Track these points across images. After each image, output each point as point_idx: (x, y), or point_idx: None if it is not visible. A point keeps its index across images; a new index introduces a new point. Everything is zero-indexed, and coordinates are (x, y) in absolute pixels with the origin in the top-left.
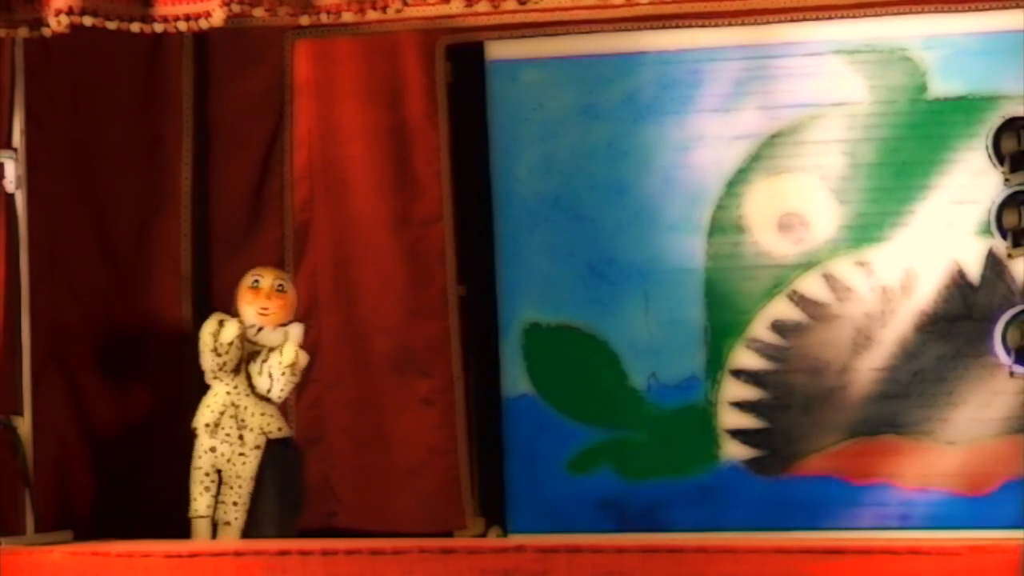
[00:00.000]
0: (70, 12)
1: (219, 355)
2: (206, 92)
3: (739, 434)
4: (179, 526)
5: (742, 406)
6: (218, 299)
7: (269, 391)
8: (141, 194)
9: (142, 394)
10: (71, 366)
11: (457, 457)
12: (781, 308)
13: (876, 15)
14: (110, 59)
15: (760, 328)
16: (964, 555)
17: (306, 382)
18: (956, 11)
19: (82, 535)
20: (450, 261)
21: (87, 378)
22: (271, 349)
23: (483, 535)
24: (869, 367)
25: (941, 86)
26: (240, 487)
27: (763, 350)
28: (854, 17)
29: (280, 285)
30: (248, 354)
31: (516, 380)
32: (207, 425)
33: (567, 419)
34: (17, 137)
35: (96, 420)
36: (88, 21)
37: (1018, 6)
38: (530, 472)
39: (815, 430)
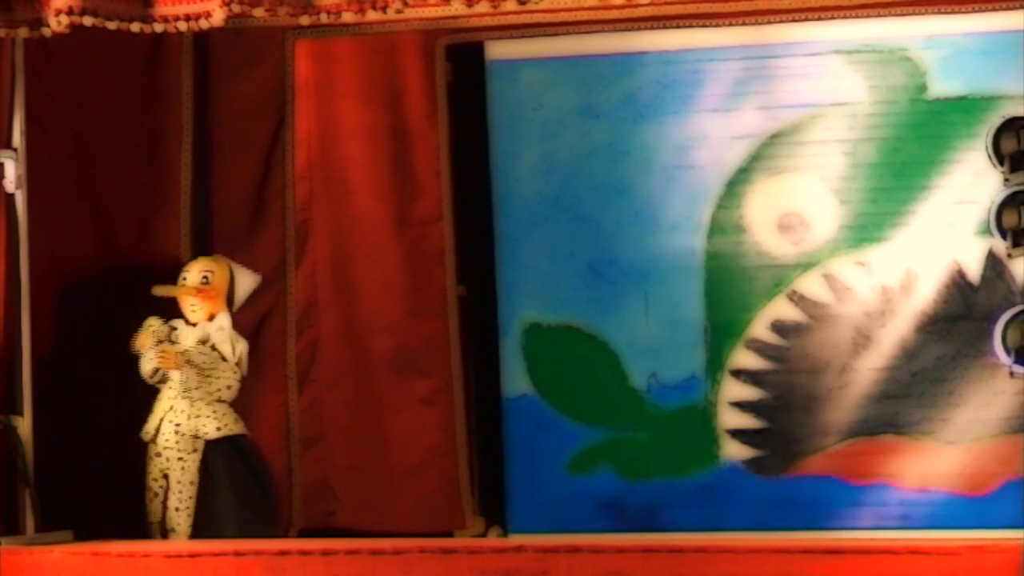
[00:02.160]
0: (70, 12)
1: (152, 363)
2: (206, 92)
3: (739, 434)
4: None
5: (742, 406)
6: None
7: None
8: (141, 194)
9: (143, 394)
10: (71, 366)
11: (457, 457)
12: (781, 308)
13: (876, 15)
14: (110, 59)
15: (760, 328)
16: (964, 555)
17: (305, 382)
18: (956, 11)
19: (82, 535)
20: (450, 261)
21: (87, 378)
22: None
23: (483, 535)
24: (869, 367)
25: (941, 86)
26: (181, 492)
27: (763, 350)
28: (854, 17)
29: (205, 277)
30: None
31: (516, 380)
32: (147, 432)
33: (567, 419)
34: (17, 137)
35: (96, 420)
36: (88, 21)
37: (1018, 6)
38: (530, 472)
39: (815, 430)
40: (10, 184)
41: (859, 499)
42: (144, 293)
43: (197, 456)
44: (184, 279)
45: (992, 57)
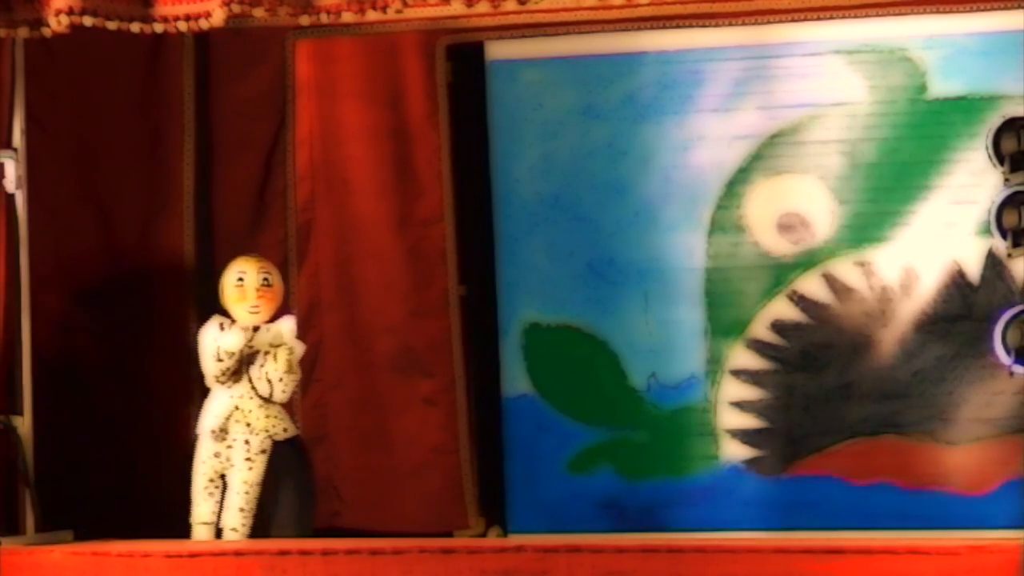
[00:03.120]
0: (70, 12)
1: (220, 360)
2: (207, 92)
3: (739, 434)
4: (180, 527)
5: (742, 406)
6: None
7: (271, 395)
8: (143, 194)
9: (144, 394)
10: (72, 366)
11: (459, 457)
12: (781, 308)
13: (876, 15)
14: (111, 59)
15: (760, 328)
16: (964, 555)
17: (309, 382)
18: (956, 11)
19: (82, 535)
20: (451, 261)
21: (88, 378)
22: (266, 352)
23: (483, 535)
24: (869, 367)
25: (941, 86)
26: (247, 493)
27: (763, 350)
28: (854, 17)
29: (265, 278)
30: (246, 356)
31: (516, 380)
32: (212, 431)
33: (567, 419)
34: (17, 137)
35: (97, 420)
36: (88, 21)
37: (1018, 6)
38: (530, 472)
39: (815, 430)
40: (10, 184)
41: (859, 499)
42: (146, 293)
43: (265, 457)
44: (240, 280)
45: (992, 57)
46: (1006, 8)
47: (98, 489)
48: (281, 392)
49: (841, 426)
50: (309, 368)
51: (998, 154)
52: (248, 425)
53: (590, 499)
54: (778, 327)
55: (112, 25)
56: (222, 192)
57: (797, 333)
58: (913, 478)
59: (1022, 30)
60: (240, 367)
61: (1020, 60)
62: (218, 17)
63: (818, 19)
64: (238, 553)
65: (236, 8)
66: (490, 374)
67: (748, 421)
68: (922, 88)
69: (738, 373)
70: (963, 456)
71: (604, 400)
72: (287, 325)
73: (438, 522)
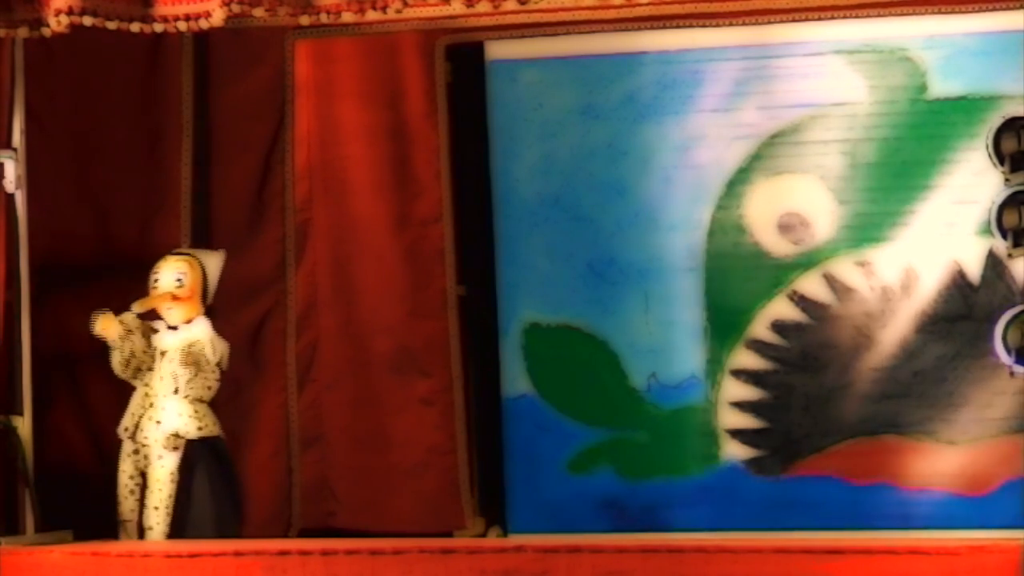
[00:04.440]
0: (70, 12)
1: (122, 354)
2: (206, 92)
3: (739, 434)
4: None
5: (742, 406)
6: (220, 299)
7: (177, 392)
8: (142, 194)
9: None
10: (72, 366)
11: (456, 457)
12: (781, 308)
13: (876, 15)
14: (111, 59)
15: (760, 328)
16: (964, 555)
17: (304, 382)
18: (956, 11)
19: (82, 535)
20: (450, 261)
21: (87, 378)
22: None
23: (483, 535)
24: (869, 367)
25: (941, 86)
26: (160, 491)
27: (763, 350)
28: (854, 17)
29: (179, 279)
30: (161, 353)
31: (516, 380)
32: (126, 429)
33: (567, 419)
34: (17, 137)
35: (96, 420)
36: (88, 21)
37: (1018, 6)
38: (530, 472)
39: (815, 430)
40: (10, 184)
41: (859, 499)
42: (145, 292)
43: (177, 455)
44: (156, 282)
45: (992, 57)
46: (1006, 8)
47: (98, 489)
48: (187, 389)
49: (841, 426)
50: (305, 368)
51: (998, 154)
52: (158, 423)
53: (590, 499)
54: (778, 327)
55: (112, 25)
56: (221, 192)
57: (797, 333)
58: (913, 478)
59: (1022, 30)
60: (149, 363)
61: (1020, 60)
62: (218, 17)
63: (818, 19)
64: (238, 553)
65: (236, 8)
66: (490, 374)
67: (748, 421)
68: (922, 88)
69: (738, 373)
70: (963, 456)
71: (604, 400)
72: (198, 325)
73: (434, 522)
